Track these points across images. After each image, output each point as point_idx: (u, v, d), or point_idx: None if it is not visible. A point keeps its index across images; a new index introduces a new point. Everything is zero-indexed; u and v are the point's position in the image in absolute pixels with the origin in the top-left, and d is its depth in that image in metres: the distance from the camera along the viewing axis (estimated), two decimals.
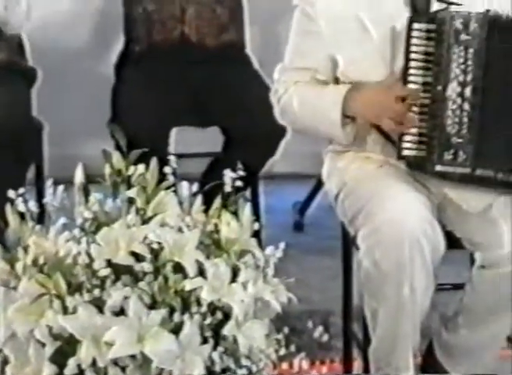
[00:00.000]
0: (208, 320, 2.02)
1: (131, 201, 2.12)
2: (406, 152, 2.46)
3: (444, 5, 2.48)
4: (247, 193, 3.34)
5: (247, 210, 2.17)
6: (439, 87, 2.42)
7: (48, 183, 2.15)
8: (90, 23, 4.28)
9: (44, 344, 2.00)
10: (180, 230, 2.09)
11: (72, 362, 1.97)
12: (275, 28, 2.71)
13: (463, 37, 2.41)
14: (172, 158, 2.19)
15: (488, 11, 2.42)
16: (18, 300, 2.02)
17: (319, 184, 3.76)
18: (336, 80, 2.58)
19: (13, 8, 3.33)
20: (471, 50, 2.41)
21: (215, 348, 2.02)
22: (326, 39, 2.56)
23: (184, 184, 2.18)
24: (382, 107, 2.47)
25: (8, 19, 3.35)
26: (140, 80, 3.40)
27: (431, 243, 2.39)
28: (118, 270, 2.02)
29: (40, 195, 3.07)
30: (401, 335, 2.44)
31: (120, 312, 2.00)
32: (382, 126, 2.49)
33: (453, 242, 2.48)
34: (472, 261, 2.55)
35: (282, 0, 2.67)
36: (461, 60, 2.41)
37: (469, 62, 2.41)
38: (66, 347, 1.99)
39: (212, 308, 2.04)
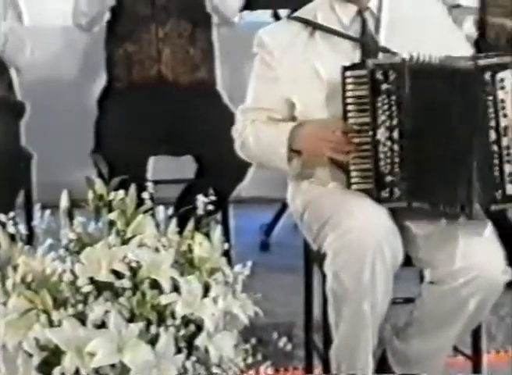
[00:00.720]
0: (182, 332, 2.02)
1: (112, 223, 2.12)
2: (354, 187, 2.48)
3: (386, 53, 2.51)
4: (218, 216, 3.33)
5: (217, 231, 2.17)
6: (370, 132, 2.45)
7: (36, 207, 2.15)
8: (75, 60, 4.28)
9: (31, 355, 1.99)
10: (157, 249, 2.08)
11: (57, 371, 1.96)
12: (244, 68, 2.72)
13: (384, 86, 2.44)
14: (149, 184, 2.19)
15: (404, 60, 2.43)
16: (8, 314, 2.00)
17: (284, 207, 3.77)
18: (294, 118, 2.59)
19: (20, 52, 3.35)
20: (393, 97, 2.44)
21: (188, 357, 2.02)
22: (282, 84, 2.57)
23: (160, 208, 2.18)
24: (322, 139, 2.49)
25: (14, 62, 3.37)
26: (121, 113, 3.40)
27: (392, 250, 2.40)
28: (99, 287, 2.02)
29: (29, 218, 3.04)
30: (362, 336, 2.44)
31: (101, 324, 1.99)
32: (324, 155, 2.49)
33: (404, 260, 2.49)
34: (421, 277, 2.56)
35: (250, 44, 2.69)
36: (386, 107, 2.44)
37: (393, 108, 2.44)
38: (52, 357, 1.98)
39: (186, 321, 2.03)
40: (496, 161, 2.41)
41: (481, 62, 2.41)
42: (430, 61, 2.42)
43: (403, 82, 2.43)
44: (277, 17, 3.86)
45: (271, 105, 2.59)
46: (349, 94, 2.46)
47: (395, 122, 2.44)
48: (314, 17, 2.60)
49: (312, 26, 2.58)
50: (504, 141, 2.41)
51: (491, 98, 2.40)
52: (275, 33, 2.66)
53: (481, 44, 3.21)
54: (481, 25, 3.29)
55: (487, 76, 2.40)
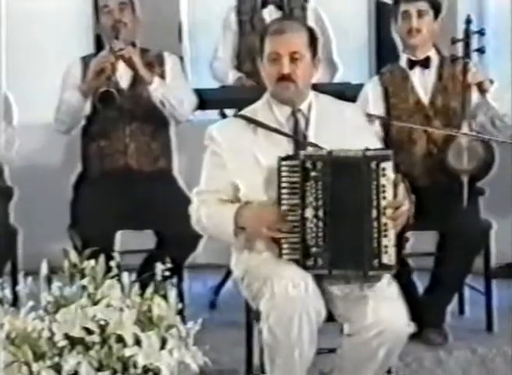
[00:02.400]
0: None
1: (84, 288, 2.10)
2: (285, 257, 2.49)
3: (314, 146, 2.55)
4: (174, 280, 3.30)
5: (173, 294, 2.16)
6: (300, 211, 2.47)
7: (21, 274, 2.12)
8: (56, 152, 4.27)
9: None
10: (122, 309, 2.06)
11: None
12: (197, 157, 2.74)
13: (313, 173, 2.48)
14: (116, 254, 2.18)
15: (330, 152, 2.48)
16: None
17: (229, 272, 3.74)
18: (239, 199, 2.60)
19: (9, 150, 3.35)
20: (320, 182, 2.47)
21: None
22: (229, 170, 2.59)
23: (125, 274, 2.16)
24: (260, 219, 2.51)
25: (4, 158, 3.37)
26: (93, 196, 3.38)
27: (316, 309, 2.40)
28: (73, 341, 1.99)
29: (14, 284, 2.99)
30: None
31: (74, 374, 1.95)
32: (261, 232, 2.50)
33: (327, 316, 2.49)
34: (342, 331, 2.56)
35: (202, 137, 2.71)
36: (313, 190, 2.47)
37: (319, 192, 2.47)
38: None
39: (146, 369, 2.01)
40: (376, 235, 2.46)
41: (369, 153, 2.48)
42: (345, 154, 2.47)
43: (327, 170, 2.47)
44: (223, 115, 3.90)
45: (220, 187, 2.60)
46: (283, 179, 2.48)
47: (320, 203, 2.47)
48: (255, 115, 2.64)
49: (254, 123, 2.62)
50: (383, 219, 2.46)
51: (375, 182, 2.46)
52: (223, 128, 2.68)
53: (387, 140, 3.29)
54: (386, 127, 3.38)
55: (373, 165, 2.46)
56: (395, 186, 2.46)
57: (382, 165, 2.46)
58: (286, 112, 2.62)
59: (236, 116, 2.70)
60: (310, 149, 2.55)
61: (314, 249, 2.46)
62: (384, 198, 2.45)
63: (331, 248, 2.46)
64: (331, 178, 2.46)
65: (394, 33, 3.53)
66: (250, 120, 2.62)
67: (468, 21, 3.38)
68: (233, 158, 2.59)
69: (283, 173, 2.48)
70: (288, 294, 2.35)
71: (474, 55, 3.39)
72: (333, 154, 2.47)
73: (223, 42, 4.06)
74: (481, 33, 3.40)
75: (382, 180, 2.45)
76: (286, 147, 2.58)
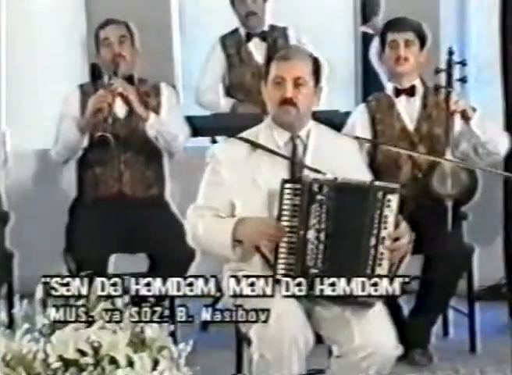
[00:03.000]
0: None
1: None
2: (279, 277, 2.48)
3: (311, 171, 2.56)
4: (166, 302, 3.29)
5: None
6: (302, 232, 2.47)
7: (16, 297, 2.11)
8: (50, 178, 4.27)
9: None
10: (115, 331, 2.06)
11: None
12: (191, 182, 2.74)
13: (318, 197, 2.48)
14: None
15: (336, 178, 2.49)
16: None
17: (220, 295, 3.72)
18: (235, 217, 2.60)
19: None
20: (324, 206, 2.48)
21: None
22: (227, 188, 2.60)
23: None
24: (260, 232, 2.51)
25: None
26: (87, 220, 3.39)
27: (304, 337, 2.40)
28: (67, 363, 1.98)
29: (10, 307, 2.98)
30: None
31: None
32: (259, 246, 2.50)
33: (316, 338, 2.48)
34: (330, 352, 2.56)
35: (194, 163, 2.71)
36: (317, 213, 2.48)
37: (323, 215, 2.48)
38: None
39: None
40: (371, 262, 2.46)
41: (378, 183, 2.50)
42: (349, 181, 2.49)
43: (333, 195, 2.47)
44: (215, 143, 3.91)
45: (217, 204, 2.60)
46: (286, 201, 2.48)
47: (323, 225, 2.47)
48: (256, 138, 2.65)
49: (255, 145, 2.63)
50: (380, 248, 2.47)
51: (378, 212, 2.47)
52: (225, 148, 2.72)
53: (373, 166, 3.31)
54: (374, 151, 3.40)
55: (379, 195, 2.47)
56: (396, 225, 2.47)
57: (389, 196, 2.47)
58: (285, 137, 2.64)
59: (237, 137, 2.71)
60: (310, 173, 2.55)
61: (312, 270, 2.46)
62: (385, 228, 2.46)
63: (328, 271, 2.45)
64: (336, 203, 2.47)
65: (374, 61, 3.55)
66: (251, 142, 2.63)
67: (450, 52, 3.42)
68: (232, 177, 2.60)
69: (286, 196, 2.48)
70: (277, 325, 2.33)
71: (457, 85, 3.43)
72: (339, 180, 2.48)
73: (211, 72, 4.07)
74: (462, 63, 3.44)
75: (386, 211, 2.46)
76: (283, 169, 2.59)
